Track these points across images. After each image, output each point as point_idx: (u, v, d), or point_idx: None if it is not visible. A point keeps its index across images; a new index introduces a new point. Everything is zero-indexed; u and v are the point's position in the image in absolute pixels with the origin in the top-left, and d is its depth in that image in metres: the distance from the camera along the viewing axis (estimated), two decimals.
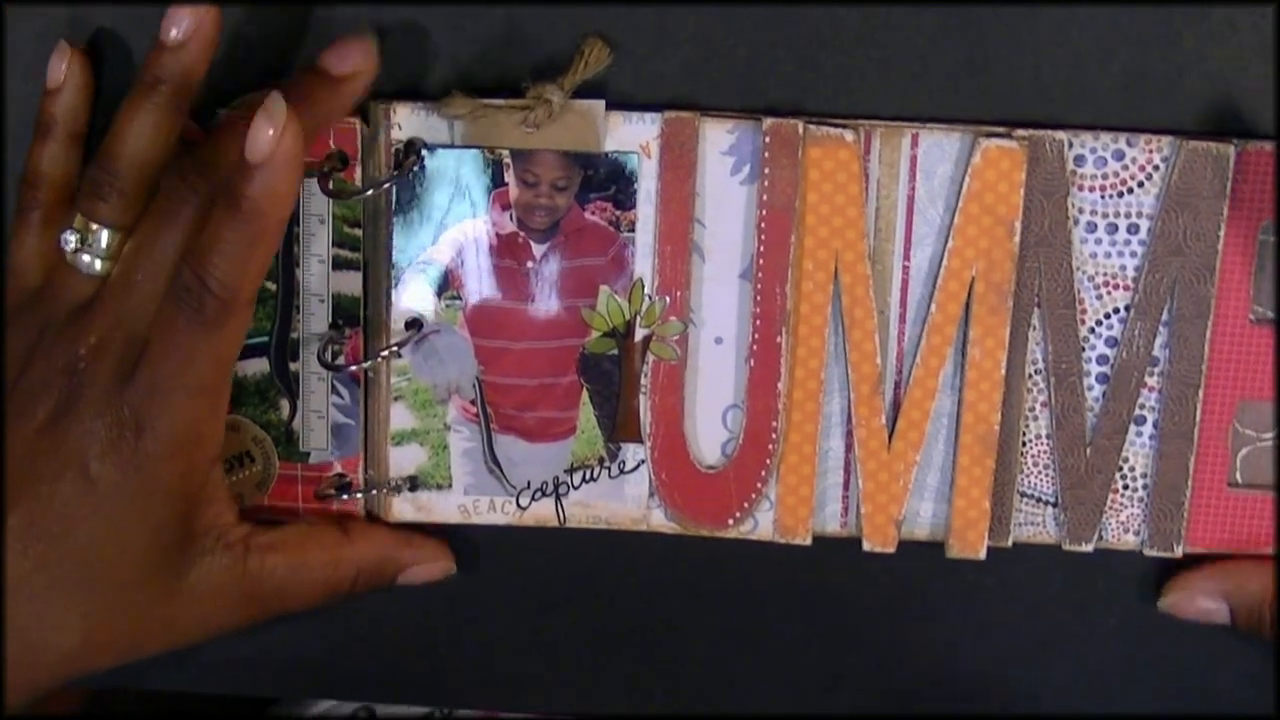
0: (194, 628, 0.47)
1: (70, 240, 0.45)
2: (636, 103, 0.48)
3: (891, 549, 0.51)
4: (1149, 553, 0.51)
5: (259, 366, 0.51)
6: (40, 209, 0.47)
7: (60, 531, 0.44)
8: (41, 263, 0.47)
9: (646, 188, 0.49)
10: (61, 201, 0.47)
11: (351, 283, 0.50)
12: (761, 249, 0.49)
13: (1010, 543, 0.51)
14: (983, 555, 0.51)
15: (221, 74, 0.48)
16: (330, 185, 0.48)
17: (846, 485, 0.51)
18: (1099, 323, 0.50)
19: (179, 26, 0.45)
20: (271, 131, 0.43)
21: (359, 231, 0.49)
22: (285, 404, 0.51)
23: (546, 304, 0.50)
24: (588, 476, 0.51)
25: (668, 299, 0.50)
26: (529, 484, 0.51)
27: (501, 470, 0.51)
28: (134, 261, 0.45)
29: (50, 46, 0.48)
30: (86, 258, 0.45)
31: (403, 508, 0.52)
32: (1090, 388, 0.50)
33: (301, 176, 0.44)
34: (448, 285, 0.50)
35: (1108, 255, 0.49)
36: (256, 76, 0.49)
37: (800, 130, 0.48)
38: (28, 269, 0.47)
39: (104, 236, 0.45)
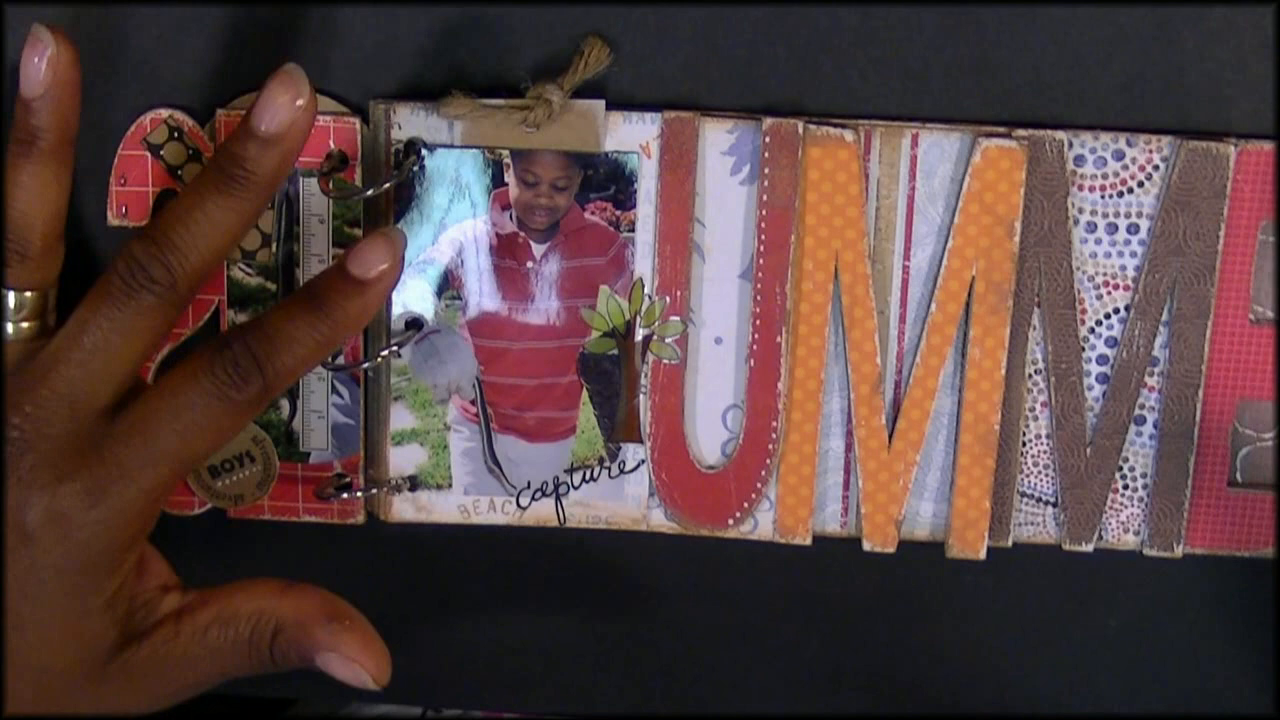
0: (132, 706, 0.44)
1: None
2: (636, 103, 0.48)
3: (891, 549, 0.51)
4: (1149, 553, 0.51)
5: None
6: None
7: None
8: None
9: (646, 188, 0.49)
10: None
11: None
12: (761, 249, 0.49)
13: (1010, 543, 0.51)
14: (983, 555, 0.51)
15: (222, 74, 0.49)
16: (330, 185, 0.48)
17: (846, 485, 0.51)
18: (1099, 323, 0.50)
19: (36, 78, 0.43)
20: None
21: (359, 231, 0.49)
22: (285, 404, 0.51)
23: (546, 304, 0.50)
24: (588, 476, 0.51)
25: (668, 299, 0.50)
26: (529, 484, 0.51)
27: (501, 470, 0.51)
28: (79, 337, 0.42)
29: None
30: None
31: (403, 508, 0.52)
32: (1090, 388, 0.50)
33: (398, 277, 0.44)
34: (448, 285, 0.50)
35: (1108, 255, 0.49)
36: (256, 76, 0.49)
37: (800, 130, 0.48)
38: None
39: (11, 299, 0.43)
